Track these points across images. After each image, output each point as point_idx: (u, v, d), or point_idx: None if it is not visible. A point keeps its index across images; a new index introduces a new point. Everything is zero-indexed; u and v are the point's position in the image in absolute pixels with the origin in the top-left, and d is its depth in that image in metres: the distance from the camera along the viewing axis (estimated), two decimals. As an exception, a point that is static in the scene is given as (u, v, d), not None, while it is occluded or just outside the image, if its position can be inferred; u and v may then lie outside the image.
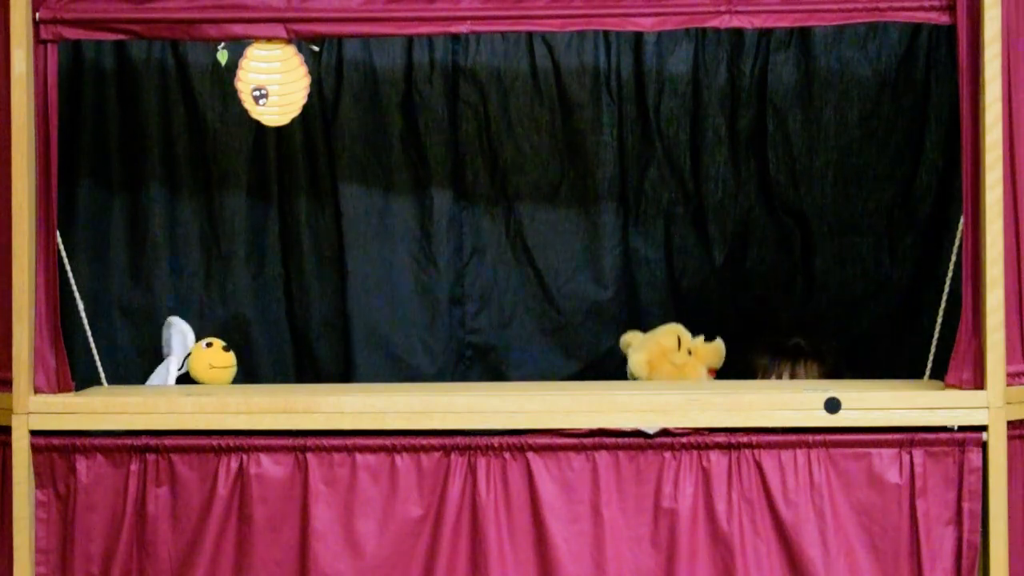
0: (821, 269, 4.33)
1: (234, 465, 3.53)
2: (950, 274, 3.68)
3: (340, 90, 4.30)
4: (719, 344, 4.15)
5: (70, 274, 3.77)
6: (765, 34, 4.25)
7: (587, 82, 4.29)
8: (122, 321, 4.35)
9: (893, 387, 3.64)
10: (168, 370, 3.97)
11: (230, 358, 4.04)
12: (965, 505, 3.44)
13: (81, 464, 3.55)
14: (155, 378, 4.01)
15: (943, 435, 3.45)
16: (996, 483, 3.42)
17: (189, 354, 4.02)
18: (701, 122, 4.31)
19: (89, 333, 3.85)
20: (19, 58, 3.52)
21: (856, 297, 4.34)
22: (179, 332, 4.07)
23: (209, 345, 4.03)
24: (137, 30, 3.59)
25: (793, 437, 3.47)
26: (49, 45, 3.57)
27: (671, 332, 4.14)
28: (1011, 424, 3.45)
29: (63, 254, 3.69)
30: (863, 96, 4.27)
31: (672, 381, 4.03)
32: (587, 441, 3.50)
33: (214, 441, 3.53)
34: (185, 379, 4.00)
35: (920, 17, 3.52)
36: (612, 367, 4.25)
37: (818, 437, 3.46)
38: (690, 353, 4.11)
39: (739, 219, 4.34)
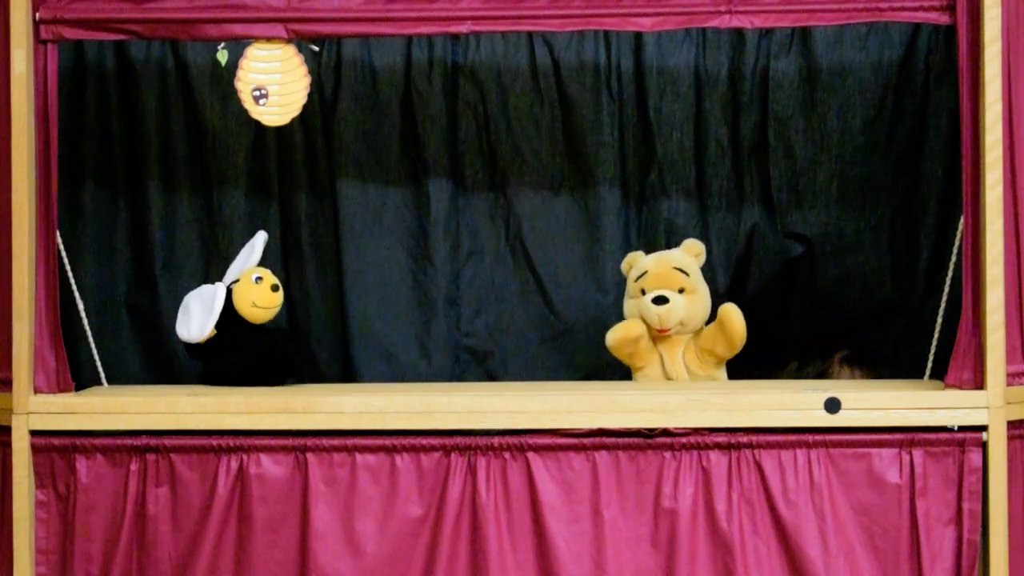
0: (823, 287, 4.29)
1: (234, 465, 3.53)
2: (950, 273, 3.68)
3: (339, 89, 4.30)
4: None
5: (70, 274, 3.77)
6: (766, 35, 4.24)
7: (587, 81, 4.28)
8: (125, 321, 4.35)
9: (893, 387, 3.64)
10: (215, 295, 3.84)
11: (276, 299, 3.87)
12: (965, 505, 3.44)
13: (81, 464, 3.55)
14: (196, 296, 3.87)
15: (943, 435, 3.45)
16: (996, 483, 3.42)
17: (237, 280, 3.90)
18: (703, 126, 4.29)
19: (89, 333, 3.85)
20: (19, 58, 3.52)
21: (859, 311, 4.30)
22: (249, 247, 3.93)
23: (259, 279, 3.88)
24: (137, 30, 3.59)
25: (793, 437, 3.47)
26: (49, 45, 3.58)
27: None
28: (1011, 424, 3.45)
29: (63, 254, 3.69)
30: (865, 102, 4.25)
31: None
32: (587, 441, 3.50)
33: (214, 441, 3.53)
34: (227, 304, 3.85)
35: (920, 17, 3.53)
36: (614, 378, 4.21)
37: (818, 437, 3.47)
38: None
39: (742, 232, 4.30)
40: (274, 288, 3.87)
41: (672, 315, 3.88)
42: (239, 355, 3.83)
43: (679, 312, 3.89)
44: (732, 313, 3.88)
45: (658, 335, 3.93)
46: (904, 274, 4.26)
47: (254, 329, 3.88)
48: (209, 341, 3.84)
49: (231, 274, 3.92)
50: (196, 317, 3.81)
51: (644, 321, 3.91)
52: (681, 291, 3.91)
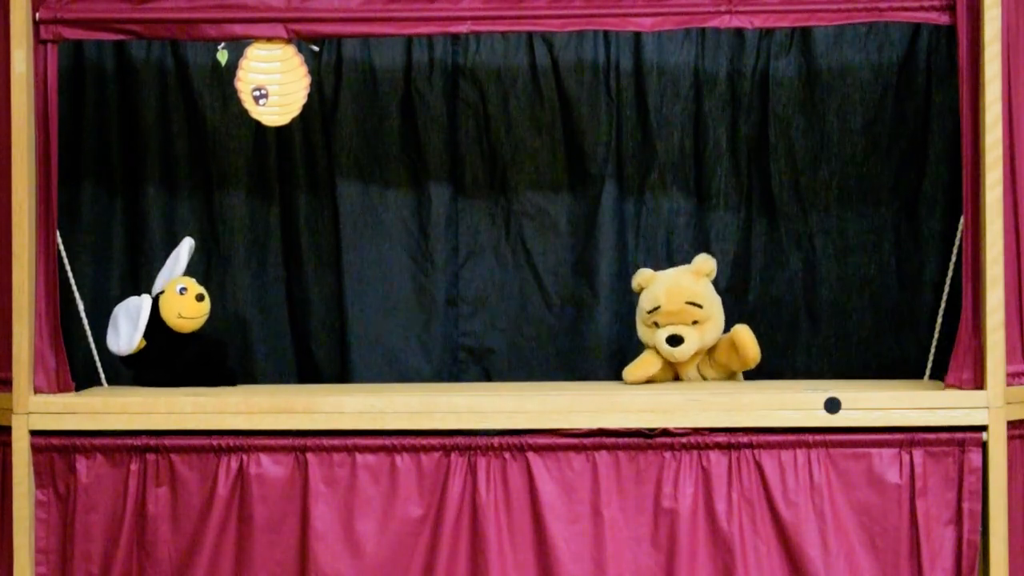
0: (826, 296, 4.27)
1: (234, 465, 3.53)
2: (950, 273, 3.68)
3: (340, 89, 4.30)
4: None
5: (70, 274, 3.78)
6: (766, 36, 4.23)
7: (587, 81, 4.28)
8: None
9: (893, 387, 3.64)
10: (140, 307, 3.87)
11: (202, 308, 3.91)
12: (965, 505, 3.44)
13: (81, 464, 3.55)
14: (123, 309, 3.90)
15: (943, 435, 3.45)
16: (996, 483, 3.42)
17: (162, 292, 3.92)
18: (702, 126, 4.28)
19: (89, 333, 3.85)
20: (19, 58, 3.53)
21: (862, 311, 4.30)
22: (175, 256, 3.96)
23: (184, 290, 3.91)
24: (137, 30, 3.60)
25: (793, 437, 3.47)
26: (49, 45, 3.58)
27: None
28: (1011, 424, 3.45)
29: (63, 254, 3.69)
30: (865, 102, 4.23)
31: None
32: (587, 441, 3.50)
33: (214, 441, 3.53)
34: (154, 314, 3.89)
35: (920, 17, 3.53)
36: (610, 378, 4.20)
37: (818, 437, 3.47)
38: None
39: (741, 233, 4.29)
40: (199, 298, 3.92)
41: (686, 353, 3.87)
42: (168, 366, 3.87)
43: (694, 348, 3.87)
44: (745, 337, 3.86)
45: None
46: (909, 275, 4.24)
47: (182, 338, 3.91)
48: (140, 352, 3.88)
49: (158, 284, 3.96)
50: (123, 330, 3.84)
51: (658, 351, 3.90)
52: (695, 322, 3.88)
